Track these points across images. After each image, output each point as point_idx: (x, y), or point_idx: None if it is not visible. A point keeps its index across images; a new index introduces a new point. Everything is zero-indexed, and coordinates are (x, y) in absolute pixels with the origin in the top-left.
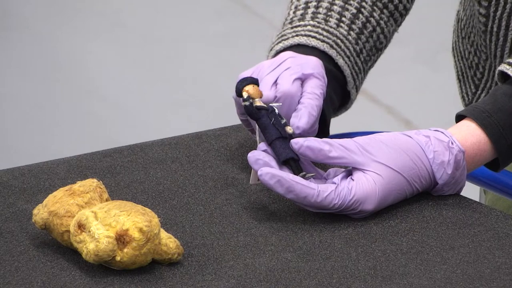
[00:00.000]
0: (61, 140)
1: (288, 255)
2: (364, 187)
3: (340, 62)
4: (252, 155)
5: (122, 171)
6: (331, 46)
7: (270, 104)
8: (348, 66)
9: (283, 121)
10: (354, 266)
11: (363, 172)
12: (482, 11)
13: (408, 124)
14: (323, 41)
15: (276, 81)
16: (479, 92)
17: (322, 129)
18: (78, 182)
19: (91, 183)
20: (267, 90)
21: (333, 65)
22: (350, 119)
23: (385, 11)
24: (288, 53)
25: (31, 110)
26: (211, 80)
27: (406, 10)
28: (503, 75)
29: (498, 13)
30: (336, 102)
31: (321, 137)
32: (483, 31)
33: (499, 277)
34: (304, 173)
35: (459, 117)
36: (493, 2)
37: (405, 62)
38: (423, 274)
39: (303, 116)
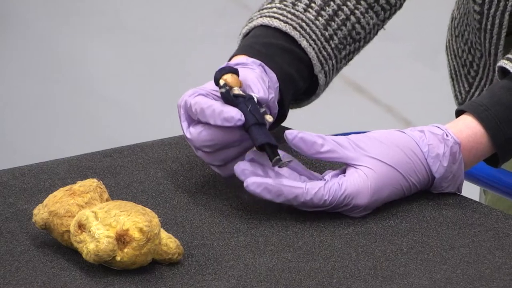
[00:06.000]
0: (61, 140)
1: (288, 255)
2: (356, 181)
3: (304, 44)
4: (237, 167)
5: (122, 171)
6: (294, 28)
7: (249, 93)
8: (314, 49)
9: (262, 109)
10: (354, 266)
11: (355, 167)
12: (477, 8)
13: (408, 123)
14: (286, 22)
15: None
16: (472, 90)
17: (279, 112)
18: (78, 182)
19: (91, 183)
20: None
21: (299, 48)
22: (350, 119)
23: (362, 2)
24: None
25: (31, 110)
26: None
27: (391, 5)
28: (503, 71)
29: (492, 10)
30: (300, 84)
31: (279, 118)
32: (478, 28)
33: (499, 277)
34: (278, 157)
35: (458, 114)
36: (487, 0)
37: (405, 61)
38: (423, 274)
39: None
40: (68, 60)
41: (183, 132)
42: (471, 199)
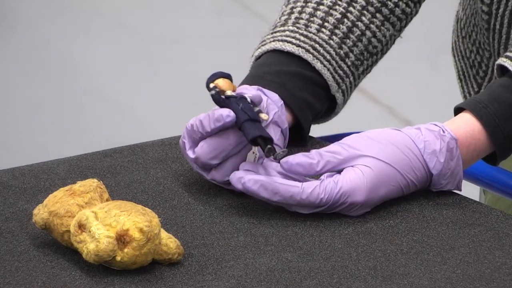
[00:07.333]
0: (61, 140)
1: (288, 255)
2: (351, 178)
3: (318, 66)
4: (233, 175)
5: (123, 171)
6: (307, 51)
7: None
8: (329, 70)
9: (257, 108)
10: (355, 266)
11: (352, 167)
12: (485, 8)
13: (409, 124)
14: (298, 45)
15: None
16: (482, 90)
17: (299, 136)
18: (79, 182)
19: (91, 183)
20: None
21: (314, 70)
22: (350, 119)
23: (378, 15)
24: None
25: (31, 110)
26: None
27: (406, 14)
28: (502, 69)
29: (500, 10)
30: (318, 106)
31: (299, 144)
32: (486, 28)
33: (499, 277)
34: (270, 147)
35: (457, 112)
36: (495, 0)
37: (406, 62)
38: (423, 274)
39: None
40: (68, 60)
41: (191, 163)
42: (471, 199)
